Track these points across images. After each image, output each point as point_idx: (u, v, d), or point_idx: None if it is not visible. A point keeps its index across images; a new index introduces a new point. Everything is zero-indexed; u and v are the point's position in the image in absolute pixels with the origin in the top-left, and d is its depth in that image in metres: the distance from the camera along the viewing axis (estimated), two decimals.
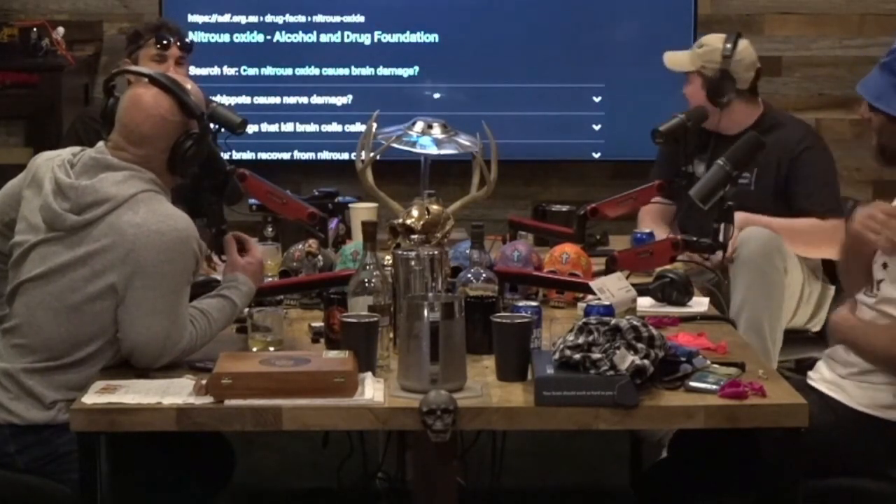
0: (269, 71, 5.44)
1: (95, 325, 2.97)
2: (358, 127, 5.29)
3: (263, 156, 5.41)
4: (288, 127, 5.44)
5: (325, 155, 5.44)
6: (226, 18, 5.40)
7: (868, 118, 3.14)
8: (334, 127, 5.43)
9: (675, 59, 4.44)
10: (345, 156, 5.35)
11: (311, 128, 5.44)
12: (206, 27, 5.38)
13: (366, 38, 5.43)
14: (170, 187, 3.09)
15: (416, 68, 5.45)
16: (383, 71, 5.44)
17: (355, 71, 5.44)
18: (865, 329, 3.04)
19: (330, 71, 5.44)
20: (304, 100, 5.43)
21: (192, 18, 5.35)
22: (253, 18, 5.40)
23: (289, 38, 5.43)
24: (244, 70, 5.43)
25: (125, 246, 2.94)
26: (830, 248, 4.02)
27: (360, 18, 5.41)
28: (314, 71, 5.44)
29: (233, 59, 5.42)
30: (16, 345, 3.02)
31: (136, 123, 3.03)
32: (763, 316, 3.95)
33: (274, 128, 5.43)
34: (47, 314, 2.98)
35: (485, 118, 3.45)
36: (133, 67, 3.38)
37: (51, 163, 3.05)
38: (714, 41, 4.37)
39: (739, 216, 3.93)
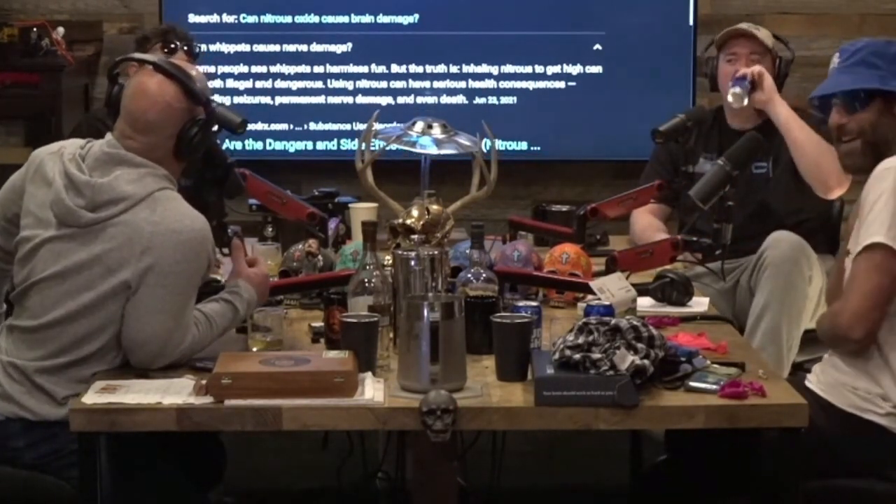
0: (268, 18, 5.45)
1: (107, 321, 2.97)
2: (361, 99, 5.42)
3: (263, 126, 5.44)
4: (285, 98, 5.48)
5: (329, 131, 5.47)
6: None
7: (843, 123, 3.14)
8: (337, 82, 5.46)
9: (762, 33, 4.35)
10: (345, 154, 5.35)
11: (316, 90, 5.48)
12: None
13: None
14: (176, 174, 3.07)
15: (416, 16, 5.46)
16: (383, 19, 5.46)
17: (355, 18, 5.46)
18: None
19: (329, 18, 5.45)
20: (303, 48, 5.45)
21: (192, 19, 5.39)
22: None
23: None
24: (243, 18, 5.45)
25: (142, 243, 2.93)
26: (836, 178, 4.10)
27: None
28: (313, 18, 5.45)
29: (231, 6, 5.44)
30: (29, 344, 3.00)
31: (143, 111, 3.02)
32: (783, 322, 3.93)
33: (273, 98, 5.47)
34: (63, 314, 2.97)
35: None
36: (137, 55, 3.37)
37: (56, 157, 3.03)
38: (759, 27, 4.36)
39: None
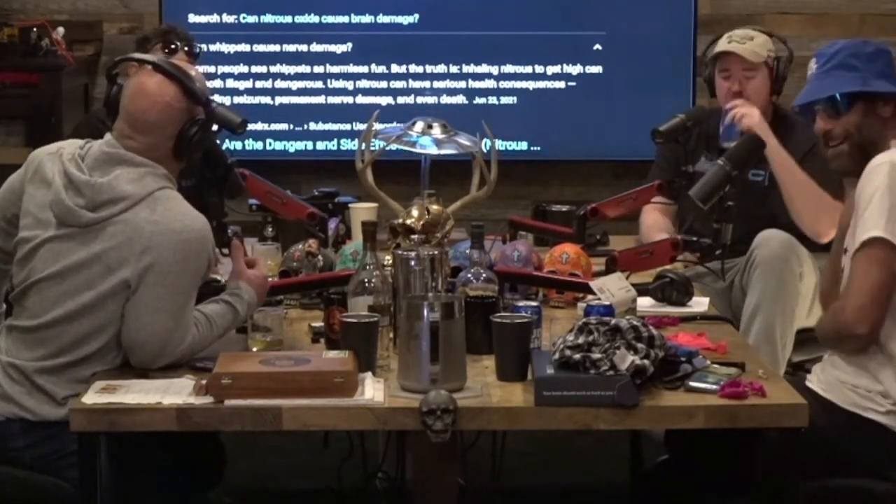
0: (268, 18, 5.46)
1: (106, 321, 2.97)
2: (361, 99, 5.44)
3: (263, 126, 5.45)
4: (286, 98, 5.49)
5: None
6: None
7: (828, 128, 3.14)
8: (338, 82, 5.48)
9: (752, 49, 4.30)
10: (345, 154, 5.35)
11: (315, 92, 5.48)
12: None
13: None
14: (175, 174, 3.07)
15: (416, 16, 5.48)
16: (383, 19, 5.47)
17: (355, 18, 5.47)
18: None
19: (329, 18, 5.47)
20: (303, 48, 5.46)
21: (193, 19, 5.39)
22: None
23: None
24: (243, 18, 5.46)
25: (142, 242, 2.93)
26: (828, 224, 3.99)
27: None
28: (313, 18, 5.47)
29: (231, 6, 5.45)
30: (29, 344, 3.00)
31: (142, 111, 3.02)
32: (776, 321, 3.91)
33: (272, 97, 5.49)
34: (62, 314, 2.97)
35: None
36: (137, 55, 3.38)
37: (55, 157, 3.03)
38: (754, 33, 4.34)
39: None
